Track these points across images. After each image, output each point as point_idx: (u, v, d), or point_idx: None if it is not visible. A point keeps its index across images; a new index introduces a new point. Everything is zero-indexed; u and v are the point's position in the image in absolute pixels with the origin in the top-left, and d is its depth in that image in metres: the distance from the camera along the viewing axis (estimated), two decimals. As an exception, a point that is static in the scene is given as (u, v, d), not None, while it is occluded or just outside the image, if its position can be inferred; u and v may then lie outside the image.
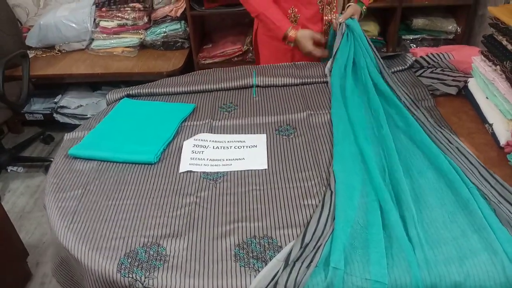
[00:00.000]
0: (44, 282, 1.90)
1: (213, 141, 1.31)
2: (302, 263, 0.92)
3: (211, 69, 1.72)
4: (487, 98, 1.34)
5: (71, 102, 2.68)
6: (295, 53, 1.82)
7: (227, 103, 1.52)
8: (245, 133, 1.36)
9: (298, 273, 0.90)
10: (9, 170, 2.55)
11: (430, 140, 1.22)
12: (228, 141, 1.31)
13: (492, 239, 0.94)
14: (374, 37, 2.62)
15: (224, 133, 1.36)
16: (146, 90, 1.59)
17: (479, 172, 1.13)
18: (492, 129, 1.28)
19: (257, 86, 1.60)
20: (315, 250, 0.94)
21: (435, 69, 1.58)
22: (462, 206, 1.04)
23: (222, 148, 1.29)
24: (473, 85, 1.41)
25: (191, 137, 1.34)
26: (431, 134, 1.25)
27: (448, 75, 1.52)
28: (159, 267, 0.95)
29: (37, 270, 1.95)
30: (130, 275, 0.94)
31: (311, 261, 0.92)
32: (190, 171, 1.21)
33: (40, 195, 2.35)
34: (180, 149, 1.30)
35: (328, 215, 1.03)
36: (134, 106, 1.50)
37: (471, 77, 1.45)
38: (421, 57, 1.62)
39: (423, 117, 1.33)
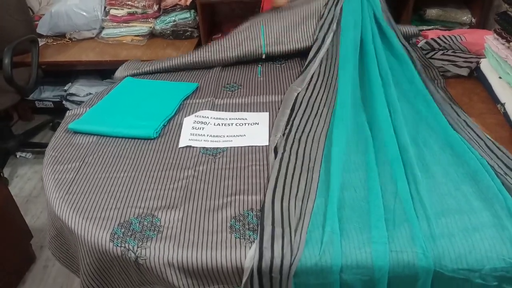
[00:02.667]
0: (47, 265, 1.89)
1: (214, 118, 1.29)
2: (295, 231, 0.89)
3: (215, 41, 1.68)
4: (500, 77, 1.29)
5: (80, 90, 2.69)
6: None
7: (231, 83, 1.50)
8: (248, 111, 1.33)
9: (292, 241, 0.87)
10: (18, 156, 2.56)
11: (439, 111, 1.18)
12: (229, 118, 1.29)
13: (500, 209, 0.91)
14: (386, 28, 2.57)
15: (226, 111, 1.34)
16: (156, 67, 1.59)
17: (486, 144, 1.09)
18: (504, 109, 1.23)
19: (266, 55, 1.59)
20: (302, 217, 0.92)
21: (447, 51, 1.53)
22: (468, 176, 1.00)
23: (223, 125, 1.26)
24: (486, 66, 1.37)
25: (192, 114, 1.32)
26: (440, 106, 1.21)
27: (460, 57, 1.47)
28: (152, 237, 0.93)
29: (41, 253, 1.95)
30: (123, 245, 0.92)
31: (302, 228, 0.89)
32: (190, 146, 1.19)
33: (47, 181, 2.36)
34: (180, 125, 1.28)
35: (306, 182, 1.02)
36: (137, 84, 1.49)
37: (483, 58, 1.40)
38: (432, 39, 1.58)
39: (434, 89, 1.29)
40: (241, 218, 0.96)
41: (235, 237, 0.92)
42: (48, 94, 2.80)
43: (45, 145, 2.64)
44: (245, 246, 0.89)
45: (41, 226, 2.08)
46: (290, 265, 0.86)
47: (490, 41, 1.32)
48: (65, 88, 2.73)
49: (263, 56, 1.59)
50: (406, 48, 1.43)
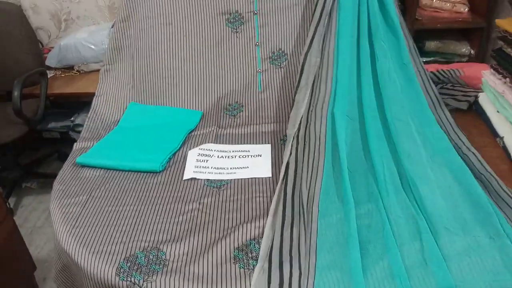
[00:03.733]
0: (50, 296, 1.89)
1: (217, 150, 1.32)
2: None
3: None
4: (497, 111, 1.32)
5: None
6: None
7: (233, 103, 1.52)
8: (250, 142, 1.36)
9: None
10: (23, 186, 2.58)
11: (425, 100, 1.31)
12: (232, 151, 1.31)
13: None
14: (386, 60, 2.62)
15: (229, 142, 1.37)
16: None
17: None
18: (503, 143, 1.25)
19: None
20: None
21: (446, 85, 1.56)
22: (440, 152, 1.18)
23: (227, 157, 1.29)
24: (484, 99, 1.40)
25: (196, 146, 1.35)
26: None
27: (459, 90, 1.50)
28: (158, 271, 0.94)
29: (44, 285, 1.94)
30: (129, 279, 0.93)
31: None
32: (194, 179, 1.21)
33: (52, 211, 2.37)
34: (185, 158, 1.31)
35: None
36: (142, 112, 1.51)
37: (481, 92, 1.43)
38: (431, 72, 1.62)
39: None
40: (243, 247, 0.98)
41: (239, 267, 0.93)
42: (55, 125, 2.84)
43: (50, 175, 2.68)
44: (249, 276, 0.91)
45: (44, 257, 2.08)
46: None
47: (487, 76, 1.35)
48: (72, 119, 2.78)
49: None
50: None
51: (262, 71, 1.58)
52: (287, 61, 1.58)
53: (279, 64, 1.59)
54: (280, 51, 1.59)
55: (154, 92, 1.58)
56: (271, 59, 1.59)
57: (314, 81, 1.33)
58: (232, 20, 1.60)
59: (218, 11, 1.60)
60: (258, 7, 1.58)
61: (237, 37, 1.60)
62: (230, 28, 1.60)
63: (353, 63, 1.34)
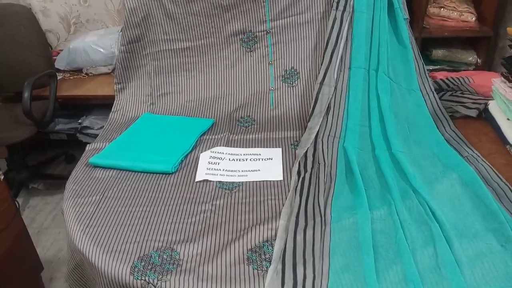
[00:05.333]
0: (57, 297, 1.89)
1: (229, 153, 1.33)
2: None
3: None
4: (508, 119, 1.32)
5: (94, 123, 2.74)
6: None
7: (244, 116, 1.54)
8: (261, 147, 1.37)
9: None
10: (30, 187, 2.59)
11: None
12: (244, 154, 1.33)
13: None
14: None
15: (240, 147, 1.38)
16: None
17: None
18: (514, 150, 1.26)
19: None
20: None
21: (455, 92, 1.58)
22: (451, 167, 1.23)
23: (238, 160, 1.30)
24: (494, 107, 1.41)
25: (208, 149, 1.36)
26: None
27: (468, 98, 1.51)
28: (172, 271, 0.95)
29: (50, 285, 1.94)
30: (143, 278, 0.94)
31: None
32: (206, 180, 1.22)
33: (59, 212, 2.37)
34: (197, 160, 1.32)
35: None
36: (155, 120, 1.53)
37: (491, 100, 1.44)
38: (441, 79, 1.63)
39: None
40: (257, 249, 0.98)
41: (253, 269, 0.94)
42: (62, 127, 2.85)
43: (57, 177, 2.69)
44: (263, 277, 0.91)
45: (51, 258, 2.09)
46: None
47: (498, 83, 1.36)
48: (80, 121, 2.80)
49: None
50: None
51: (275, 89, 1.62)
52: (299, 79, 1.61)
53: (291, 83, 1.61)
54: (293, 70, 1.62)
55: (170, 109, 1.64)
56: (283, 77, 1.62)
57: (327, 109, 1.39)
58: (246, 40, 1.64)
59: (232, 32, 1.64)
60: (270, 26, 1.62)
61: (251, 56, 1.65)
62: (244, 48, 1.65)
63: (365, 96, 1.41)
